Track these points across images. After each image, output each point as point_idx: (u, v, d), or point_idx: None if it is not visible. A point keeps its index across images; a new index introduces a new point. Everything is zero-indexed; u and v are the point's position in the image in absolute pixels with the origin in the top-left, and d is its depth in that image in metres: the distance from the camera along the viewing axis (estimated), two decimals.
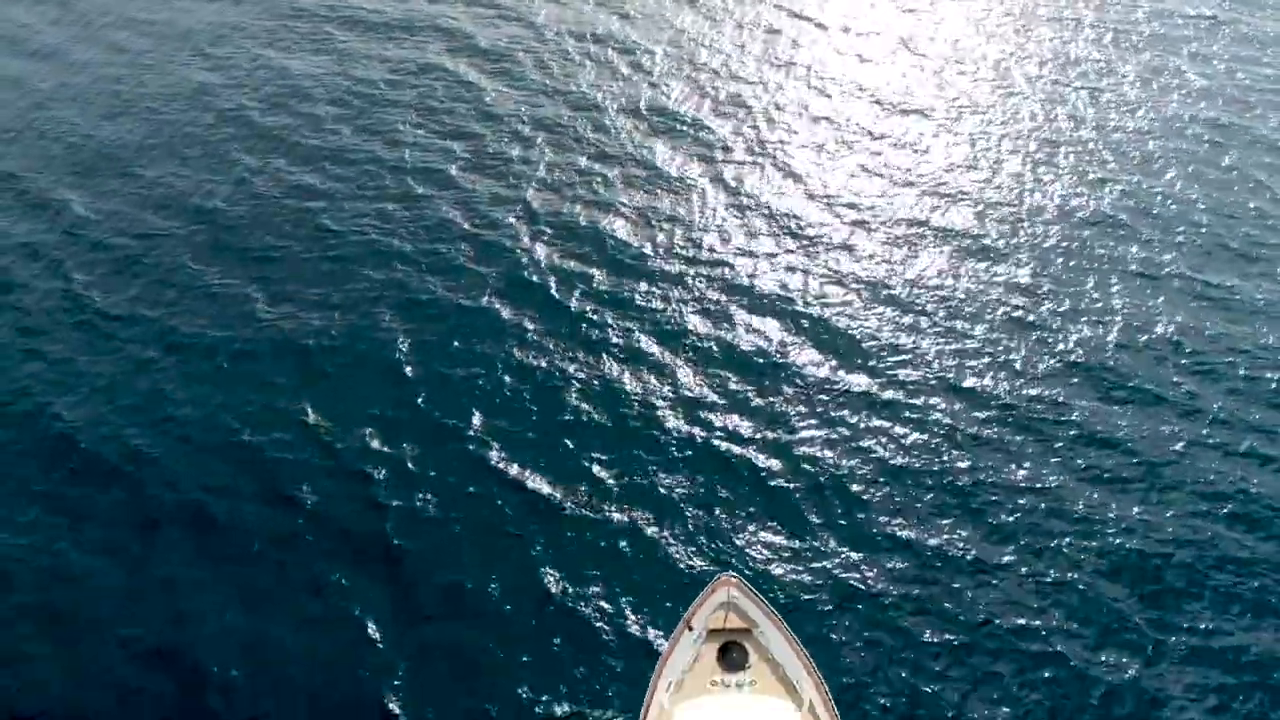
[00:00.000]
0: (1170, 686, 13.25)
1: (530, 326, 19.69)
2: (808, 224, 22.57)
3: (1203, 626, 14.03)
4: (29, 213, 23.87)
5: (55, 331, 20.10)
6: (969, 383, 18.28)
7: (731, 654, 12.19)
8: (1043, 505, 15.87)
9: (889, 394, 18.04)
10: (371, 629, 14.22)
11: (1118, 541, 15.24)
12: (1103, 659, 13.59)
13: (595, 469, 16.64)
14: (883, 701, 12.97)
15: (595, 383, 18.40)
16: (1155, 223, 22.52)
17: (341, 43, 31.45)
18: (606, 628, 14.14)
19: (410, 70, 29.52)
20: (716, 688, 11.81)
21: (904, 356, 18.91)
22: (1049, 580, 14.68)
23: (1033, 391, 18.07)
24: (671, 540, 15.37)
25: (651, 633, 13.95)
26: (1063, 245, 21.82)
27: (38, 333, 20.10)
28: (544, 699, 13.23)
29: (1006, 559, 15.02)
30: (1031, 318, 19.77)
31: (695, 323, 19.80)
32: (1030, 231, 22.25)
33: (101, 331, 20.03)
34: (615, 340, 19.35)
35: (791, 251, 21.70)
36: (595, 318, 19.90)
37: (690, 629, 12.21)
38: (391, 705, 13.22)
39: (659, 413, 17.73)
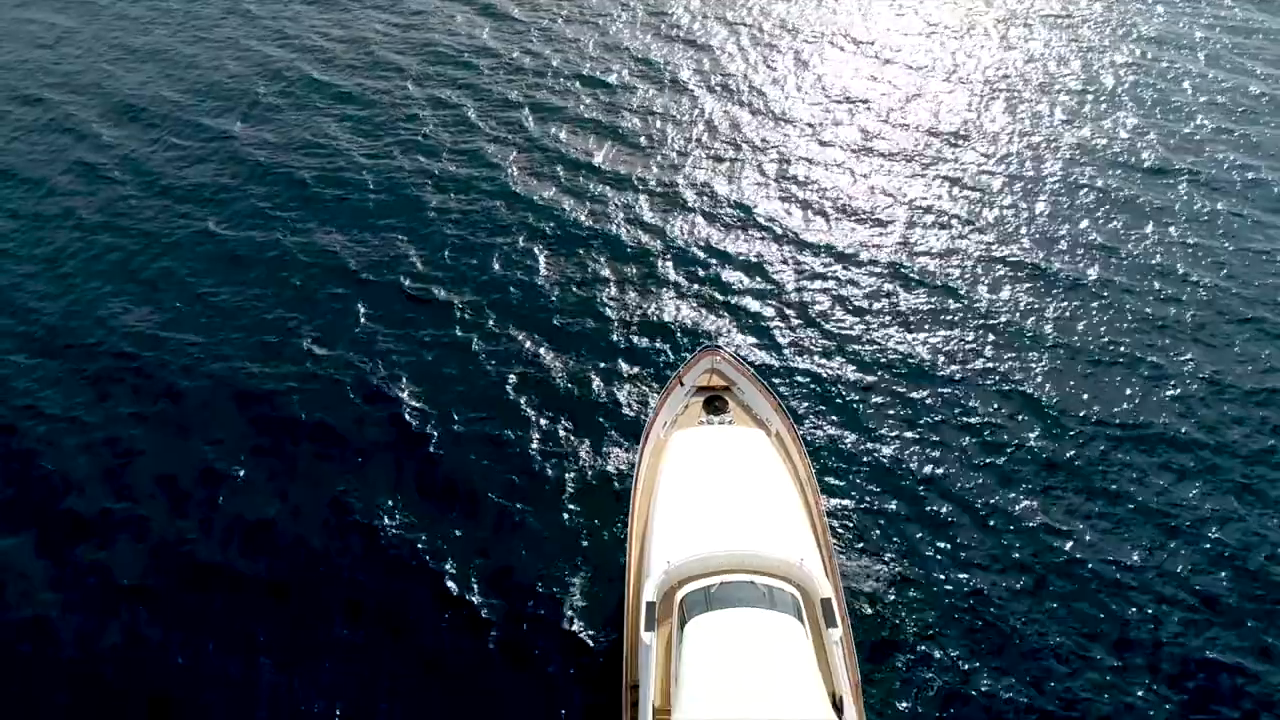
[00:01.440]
0: (1062, 515, 16.09)
1: (534, 211, 22.77)
2: (778, 133, 25.38)
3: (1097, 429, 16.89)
4: (77, 133, 26.67)
5: (112, 224, 22.92)
6: (918, 265, 21.05)
7: (715, 404, 14.74)
8: (981, 333, 18.70)
9: (850, 283, 20.84)
10: (395, 442, 17.02)
11: (1031, 384, 18.12)
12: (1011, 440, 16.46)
13: (595, 307, 19.84)
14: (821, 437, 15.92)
15: (592, 249, 21.56)
16: (1101, 146, 25.28)
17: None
18: (606, 403, 17.52)
19: (419, 13, 32.21)
20: (702, 425, 14.42)
21: (861, 252, 21.67)
22: (978, 411, 17.52)
23: (981, 281, 20.85)
24: (655, 353, 18.59)
25: (645, 400, 17.34)
26: (1016, 165, 24.55)
27: (91, 229, 22.82)
28: (554, 459, 16.41)
29: (942, 387, 17.84)
30: (983, 219, 22.53)
31: (676, 207, 22.72)
32: (982, 147, 24.98)
33: (147, 229, 22.84)
34: (607, 222, 22.26)
35: (763, 157, 24.48)
36: (590, 204, 22.98)
37: (681, 385, 14.81)
38: (414, 496, 16.03)
39: (641, 266, 20.82)
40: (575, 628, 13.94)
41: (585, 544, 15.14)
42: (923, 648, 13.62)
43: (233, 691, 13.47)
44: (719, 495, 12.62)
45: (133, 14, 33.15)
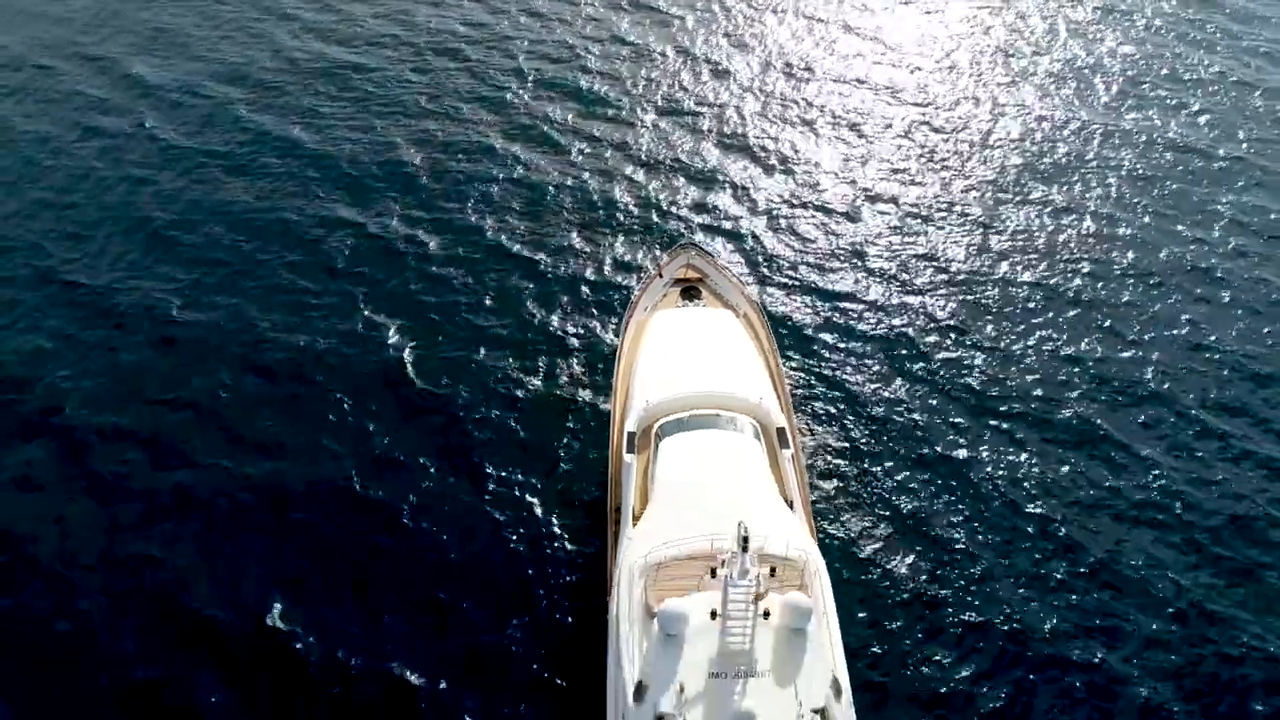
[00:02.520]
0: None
1: (519, 149, 25.07)
2: (747, 77, 27.74)
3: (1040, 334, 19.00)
4: (106, 80, 28.75)
5: (137, 155, 25.16)
6: (871, 206, 23.14)
7: (690, 292, 16.76)
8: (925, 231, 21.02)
9: (812, 216, 23.00)
10: (388, 324, 19.18)
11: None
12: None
13: (569, 232, 22.21)
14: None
15: (569, 181, 23.85)
16: (1054, 110, 27.50)
17: None
18: (589, 290, 20.15)
19: None
20: (678, 308, 16.38)
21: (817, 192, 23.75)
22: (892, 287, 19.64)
23: (931, 219, 23.07)
24: (632, 249, 21.30)
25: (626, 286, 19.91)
26: (967, 121, 26.77)
27: (122, 159, 25.06)
28: (544, 333, 18.92)
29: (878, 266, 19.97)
30: (934, 168, 24.77)
31: (649, 143, 25.25)
32: (936, 105, 27.18)
33: (174, 156, 25.08)
34: (588, 158, 24.65)
35: (730, 96, 26.66)
36: (573, 142, 25.33)
37: (660, 277, 16.88)
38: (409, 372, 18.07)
39: (615, 199, 23.18)
40: (557, 496, 15.90)
41: (557, 436, 17.06)
42: (861, 473, 16.15)
43: (233, 584, 14.83)
44: (692, 356, 14.72)
45: None
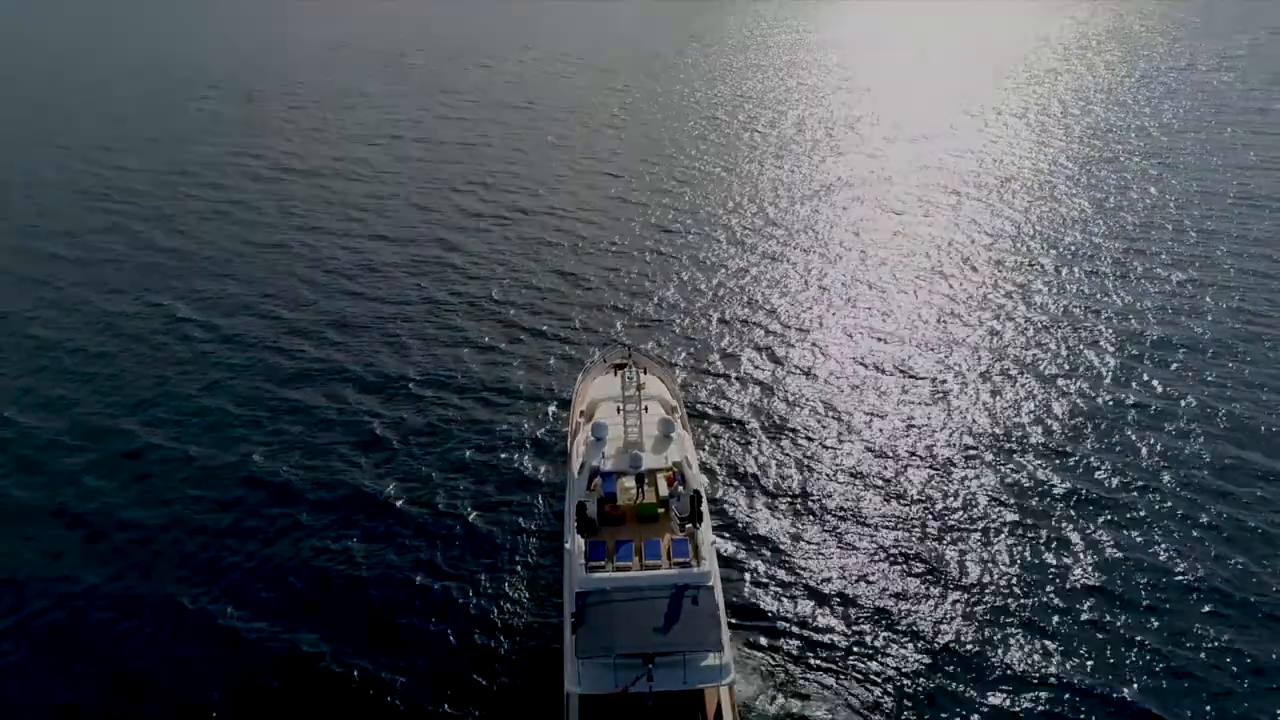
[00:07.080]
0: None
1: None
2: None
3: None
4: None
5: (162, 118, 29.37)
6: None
7: (621, 367, 26.75)
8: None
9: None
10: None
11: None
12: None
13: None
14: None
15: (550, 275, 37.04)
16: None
17: None
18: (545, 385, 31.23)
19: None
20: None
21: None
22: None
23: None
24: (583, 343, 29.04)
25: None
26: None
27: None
28: (500, 431, 30.17)
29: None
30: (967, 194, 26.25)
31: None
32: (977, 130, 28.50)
33: (198, 128, 28.28)
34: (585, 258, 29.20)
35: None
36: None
37: (604, 361, 28.38)
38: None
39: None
40: (534, 469, 28.53)
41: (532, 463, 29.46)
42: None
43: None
44: (620, 386, 25.08)
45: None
